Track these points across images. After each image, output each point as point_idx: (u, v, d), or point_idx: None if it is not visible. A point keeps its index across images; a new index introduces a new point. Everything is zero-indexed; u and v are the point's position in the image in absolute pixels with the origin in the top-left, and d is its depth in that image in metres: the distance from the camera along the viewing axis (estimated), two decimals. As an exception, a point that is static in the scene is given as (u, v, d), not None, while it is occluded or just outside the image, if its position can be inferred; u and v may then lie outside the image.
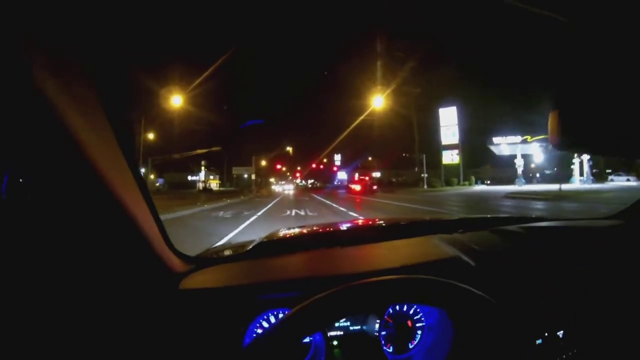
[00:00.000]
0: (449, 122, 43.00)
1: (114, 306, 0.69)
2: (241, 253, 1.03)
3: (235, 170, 72.89)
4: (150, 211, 0.72)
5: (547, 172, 36.61)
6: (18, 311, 0.63)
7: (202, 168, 60.65)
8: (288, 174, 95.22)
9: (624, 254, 0.95)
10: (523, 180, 33.14)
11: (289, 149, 33.05)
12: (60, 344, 0.64)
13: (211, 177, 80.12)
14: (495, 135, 37.53)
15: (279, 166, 45.38)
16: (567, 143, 0.72)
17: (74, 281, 0.67)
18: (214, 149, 27.73)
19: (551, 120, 0.72)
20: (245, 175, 77.98)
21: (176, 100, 22.80)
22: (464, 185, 38.79)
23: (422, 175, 39.70)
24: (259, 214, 11.89)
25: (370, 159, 52.96)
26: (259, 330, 0.82)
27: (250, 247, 1.05)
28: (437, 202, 16.58)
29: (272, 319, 0.83)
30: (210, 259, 1.02)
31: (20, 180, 0.63)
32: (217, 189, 63.65)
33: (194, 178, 68.54)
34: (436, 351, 0.86)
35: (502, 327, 0.61)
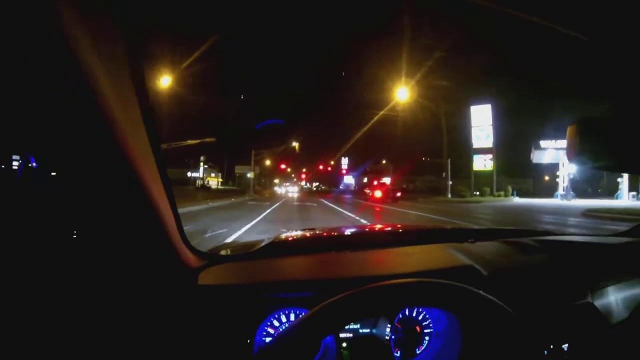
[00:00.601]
0: (482, 122, 35.14)
1: (129, 298, 0.70)
2: (253, 251, 1.03)
3: (238, 169, 69.91)
4: (170, 206, 0.73)
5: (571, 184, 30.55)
6: (36, 301, 0.64)
7: (201, 164, 55.75)
8: (293, 175, 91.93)
9: (630, 270, 0.98)
10: (572, 194, 27.46)
11: (295, 144, 27.50)
12: (77, 334, 0.65)
13: (212, 174, 75.61)
14: (540, 139, 31.50)
15: (283, 166, 40.64)
16: (585, 157, 0.73)
17: (93, 270, 0.68)
18: (207, 139, 22.44)
19: (570, 132, 0.72)
20: (249, 175, 75.55)
21: (165, 80, 19.12)
22: (498, 196, 32.66)
23: (448, 182, 33.46)
24: (243, 230, 7.96)
25: (384, 162, 45.73)
26: (270, 330, 0.83)
27: (262, 245, 1.06)
28: (502, 219, 12.94)
29: (284, 319, 0.84)
30: (224, 256, 1.04)
31: (43, 163, 0.64)
32: (217, 187, 60.54)
33: (194, 174, 63.71)
34: (443, 358, 0.87)
35: (511, 337, 0.62)
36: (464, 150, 35.53)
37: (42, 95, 0.47)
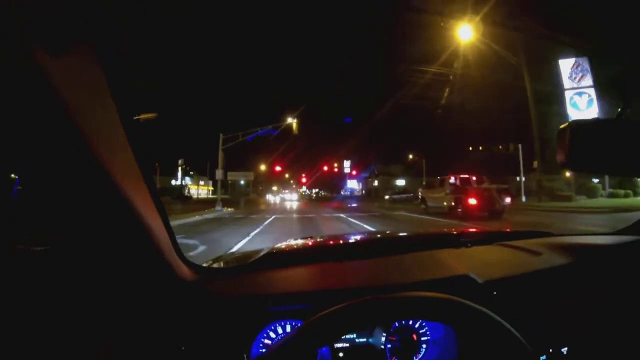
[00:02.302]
0: (579, 82, 20.84)
1: (123, 313, 0.70)
2: (249, 263, 1.05)
3: (231, 176, 63.87)
4: (161, 218, 0.73)
5: None
6: (28, 313, 0.65)
7: (179, 169, 48.28)
8: (292, 182, 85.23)
9: (628, 271, 0.97)
10: None
11: (293, 122, 19.19)
12: (68, 344, 0.65)
13: (201, 182, 68.11)
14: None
15: (278, 168, 33.02)
16: (577, 162, 0.73)
17: (85, 285, 0.69)
18: (147, 115, 14.09)
19: (560, 136, 0.72)
20: (242, 182, 69.69)
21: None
22: (627, 196, 20.74)
23: (539, 177, 20.72)
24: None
25: (411, 157, 34.50)
26: (266, 341, 0.84)
27: (258, 257, 1.08)
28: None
29: (280, 330, 0.85)
30: (219, 269, 1.08)
31: (32, 182, 0.65)
32: (205, 196, 54.25)
33: (179, 183, 56.11)
34: None
35: (509, 345, 0.62)
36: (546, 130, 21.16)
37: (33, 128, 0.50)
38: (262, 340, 0.83)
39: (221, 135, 20.26)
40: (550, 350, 0.79)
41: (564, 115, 19.84)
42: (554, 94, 21.52)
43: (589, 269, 0.98)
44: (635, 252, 1.04)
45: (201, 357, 0.74)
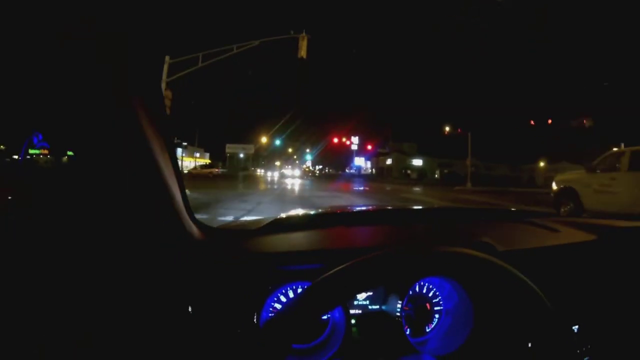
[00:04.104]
0: None
1: (137, 268, 0.72)
2: (260, 227, 1.02)
3: (229, 149, 58.97)
4: (179, 185, 0.77)
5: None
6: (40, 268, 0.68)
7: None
8: (295, 157, 79.91)
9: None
10: None
11: (302, 45, 12.57)
12: (76, 302, 0.68)
13: (197, 154, 62.61)
14: None
15: (278, 142, 27.56)
16: None
17: (100, 240, 0.71)
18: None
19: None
20: (242, 155, 64.75)
21: None
22: None
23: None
24: None
25: (446, 129, 25.54)
26: (277, 305, 0.83)
27: (268, 221, 1.05)
28: None
29: (291, 294, 0.84)
30: (230, 230, 1.07)
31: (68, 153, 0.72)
32: (201, 171, 49.56)
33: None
34: (453, 335, 0.87)
35: (526, 315, 0.62)
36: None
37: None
38: (273, 303, 0.82)
39: (167, 59, 12.54)
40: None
41: None
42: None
43: (606, 247, 1.00)
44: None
45: (209, 319, 0.73)
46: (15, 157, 0.78)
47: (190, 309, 0.72)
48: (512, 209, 1.51)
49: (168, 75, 12.45)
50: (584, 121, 17.60)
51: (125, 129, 0.62)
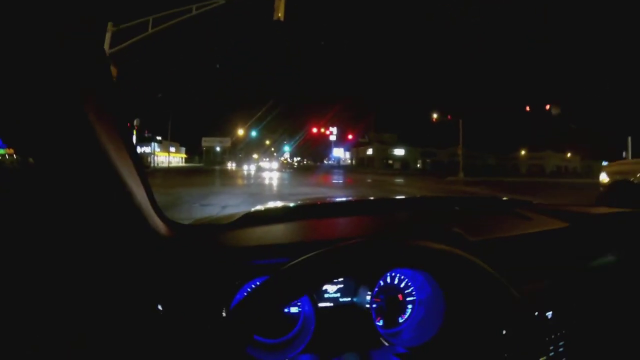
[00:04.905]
0: None
1: (102, 268, 0.72)
2: (229, 223, 1.01)
3: (206, 142, 56.63)
4: (142, 182, 0.77)
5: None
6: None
7: (134, 132, 39.55)
8: (273, 149, 77.72)
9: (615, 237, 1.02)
10: None
11: (279, 10, 10.16)
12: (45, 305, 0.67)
13: (172, 149, 59.89)
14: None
15: (254, 134, 25.47)
16: None
17: (69, 241, 0.71)
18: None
19: None
20: (218, 149, 62.35)
21: None
22: None
23: None
24: None
25: (434, 116, 23.56)
26: None
27: (238, 217, 1.05)
28: None
29: None
30: (198, 226, 1.04)
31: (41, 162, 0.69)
32: (175, 165, 47.25)
33: (146, 149, 48.18)
34: (427, 326, 0.88)
35: (495, 304, 0.64)
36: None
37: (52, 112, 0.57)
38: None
39: (109, 26, 10.30)
40: (536, 314, 0.79)
41: None
42: None
43: (578, 233, 1.02)
44: (622, 220, 1.09)
45: (179, 316, 0.73)
46: None
47: (159, 307, 0.71)
48: (487, 197, 1.74)
49: (111, 47, 10.28)
50: (547, 107, 16.29)
51: (73, 126, 0.60)
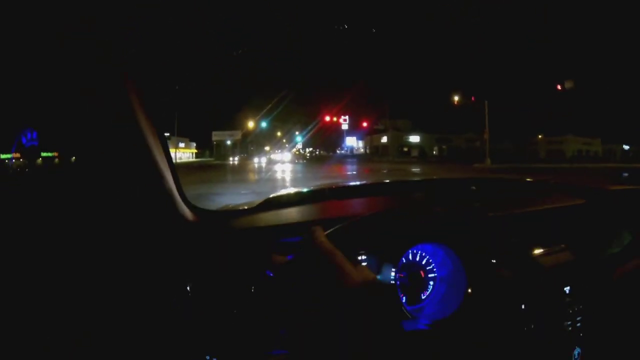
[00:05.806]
0: None
1: (132, 249, 0.76)
2: (252, 207, 1.05)
3: (216, 136, 55.72)
4: (172, 173, 0.82)
5: None
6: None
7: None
8: (284, 140, 76.52)
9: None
10: None
11: None
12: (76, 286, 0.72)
13: (181, 144, 59.29)
14: None
15: (265, 125, 24.21)
16: None
17: (105, 223, 0.75)
18: None
19: None
20: (229, 142, 61.30)
21: None
22: None
23: None
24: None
25: (455, 99, 21.14)
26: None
27: (261, 201, 1.08)
28: None
29: None
30: (223, 211, 1.09)
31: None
32: (185, 161, 46.54)
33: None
34: (448, 302, 0.89)
35: (514, 279, 0.67)
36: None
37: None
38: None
39: None
40: (554, 289, 0.80)
41: None
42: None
43: (595, 209, 1.03)
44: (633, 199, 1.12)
45: (207, 296, 0.76)
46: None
47: (188, 288, 0.74)
48: (495, 177, 1.73)
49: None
50: (560, 86, 14.40)
51: (123, 124, 0.67)
